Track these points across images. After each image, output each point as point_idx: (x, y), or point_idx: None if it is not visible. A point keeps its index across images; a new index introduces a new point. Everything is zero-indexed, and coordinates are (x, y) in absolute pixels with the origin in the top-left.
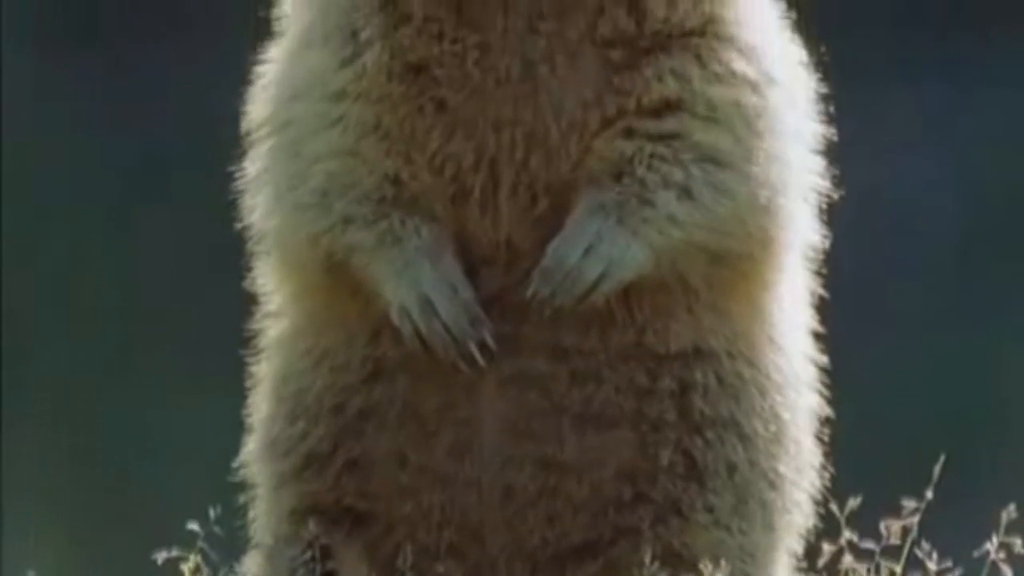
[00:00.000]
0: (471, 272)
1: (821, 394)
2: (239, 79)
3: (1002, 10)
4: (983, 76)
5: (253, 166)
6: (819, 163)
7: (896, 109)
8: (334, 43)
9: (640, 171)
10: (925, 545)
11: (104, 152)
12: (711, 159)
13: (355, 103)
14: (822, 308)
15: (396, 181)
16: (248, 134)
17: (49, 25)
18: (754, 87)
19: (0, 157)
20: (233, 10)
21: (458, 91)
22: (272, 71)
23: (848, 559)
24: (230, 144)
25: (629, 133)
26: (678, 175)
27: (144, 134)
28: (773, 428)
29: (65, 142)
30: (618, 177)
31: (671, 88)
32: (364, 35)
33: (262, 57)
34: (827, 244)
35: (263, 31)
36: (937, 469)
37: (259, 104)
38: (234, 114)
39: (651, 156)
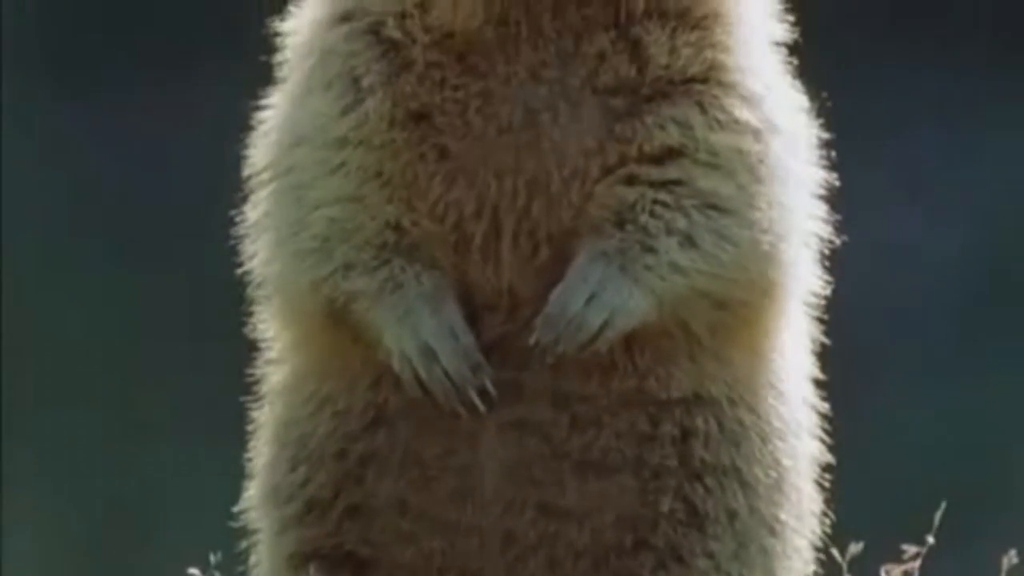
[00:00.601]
0: (472, 318)
1: (822, 440)
2: (241, 125)
3: (1005, 55)
4: (986, 122)
5: (254, 212)
6: (821, 210)
7: (897, 155)
8: (336, 90)
9: (642, 218)
10: None
11: (104, 196)
12: (713, 206)
13: (357, 150)
14: (823, 354)
15: (398, 228)
16: (250, 179)
17: (51, 72)
18: (756, 134)
19: (1, 198)
20: (235, 56)
21: (460, 139)
22: (274, 117)
23: None
24: (231, 189)
25: (631, 180)
26: (680, 222)
27: (146, 178)
28: (774, 474)
29: (65, 185)
30: (620, 224)
31: (673, 135)
32: (366, 82)
33: (264, 103)
34: (828, 290)
35: (265, 77)
36: (938, 515)
37: (261, 150)
38: (235, 159)
39: (653, 203)
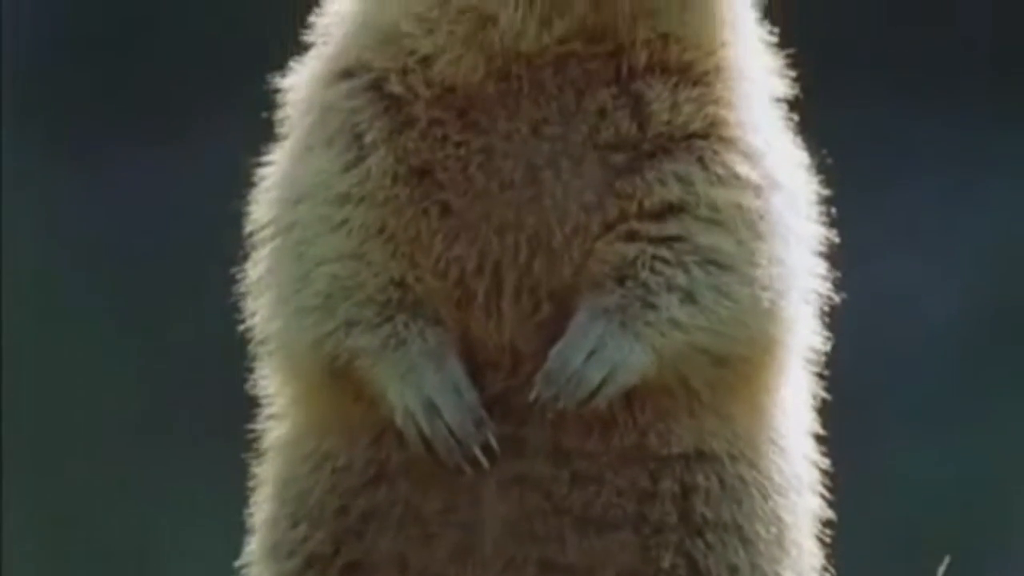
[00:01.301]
0: (474, 374)
1: (823, 496)
2: (241, 182)
3: (1001, 102)
4: (983, 170)
5: (256, 269)
6: (821, 266)
7: (895, 204)
8: (338, 146)
9: (643, 274)
10: None
11: (104, 254)
12: (714, 262)
13: (359, 206)
14: (824, 410)
15: (401, 284)
16: (251, 237)
17: (51, 130)
18: (757, 190)
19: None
20: (235, 114)
21: (462, 195)
22: (275, 174)
23: None
24: (232, 247)
25: (631, 236)
26: (681, 278)
27: (146, 236)
28: (775, 531)
29: (65, 244)
30: (621, 280)
31: (674, 191)
32: (368, 138)
33: (264, 160)
34: (829, 346)
35: (265, 134)
36: (941, 571)
37: (262, 206)
38: (236, 217)
39: (653, 259)
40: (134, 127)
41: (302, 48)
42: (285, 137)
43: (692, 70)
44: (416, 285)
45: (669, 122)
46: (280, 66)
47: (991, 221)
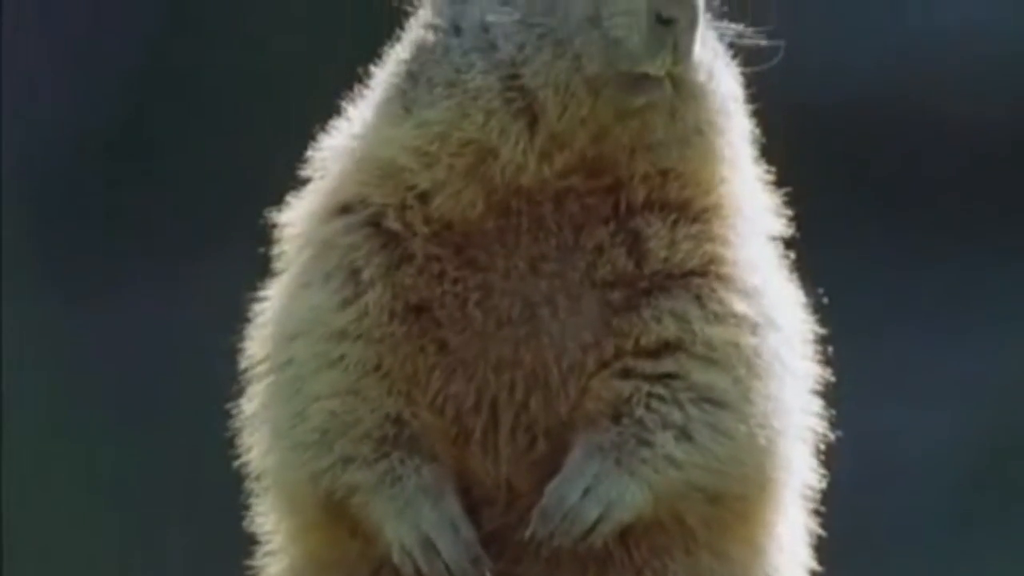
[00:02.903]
0: (471, 510)
1: None
2: (236, 317)
3: (998, 248)
4: (977, 314)
5: (251, 404)
6: (816, 404)
7: (891, 350)
8: (335, 282)
9: (638, 412)
10: None
11: (103, 389)
12: (709, 400)
13: (356, 343)
14: (820, 547)
15: (397, 421)
16: (245, 372)
17: (49, 263)
18: (753, 328)
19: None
20: (231, 248)
21: (459, 332)
22: (270, 309)
23: None
24: (227, 381)
25: (626, 374)
26: (676, 415)
27: (143, 370)
28: None
29: (63, 376)
30: (616, 418)
31: (670, 329)
32: (365, 274)
33: (260, 295)
34: (824, 484)
35: (262, 269)
36: None
37: (257, 343)
38: (231, 352)
39: (649, 396)
40: (133, 258)
41: (299, 182)
42: (281, 272)
43: (691, 207)
44: (412, 421)
45: (667, 259)
46: (278, 200)
47: (983, 361)
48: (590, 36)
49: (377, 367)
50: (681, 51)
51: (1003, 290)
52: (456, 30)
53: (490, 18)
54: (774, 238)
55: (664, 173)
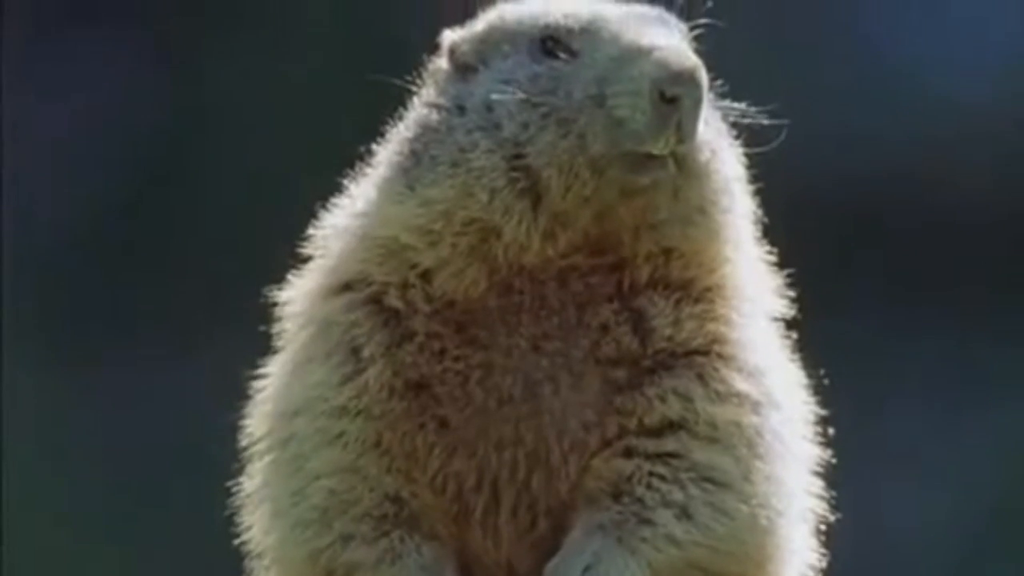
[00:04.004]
0: None
1: None
2: (237, 396)
3: (1000, 325)
4: (980, 391)
5: (251, 482)
6: (817, 484)
7: (893, 429)
8: (335, 359)
9: (639, 490)
10: None
11: (103, 469)
12: (711, 479)
13: (355, 420)
14: None
15: (396, 499)
16: (246, 450)
17: (48, 343)
18: (755, 408)
19: (1, 470)
20: (231, 328)
21: (460, 410)
22: (271, 387)
23: None
24: (227, 460)
25: (629, 452)
26: (677, 494)
27: (144, 450)
28: None
29: (63, 456)
30: (617, 496)
31: (673, 408)
32: (366, 352)
33: (260, 372)
34: (825, 563)
35: (261, 348)
36: None
37: (258, 420)
38: (231, 429)
39: (650, 475)
40: (133, 338)
41: (300, 261)
42: (281, 350)
43: (694, 286)
44: (412, 500)
45: (671, 338)
46: (280, 280)
47: (983, 438)
48: (594, 115)
49: (377, 444)
50: (685, 130)
51: (1001, 366)
52: (460, 109)
53: (494, 97)
54: (776, 318)
55: (667, 252)
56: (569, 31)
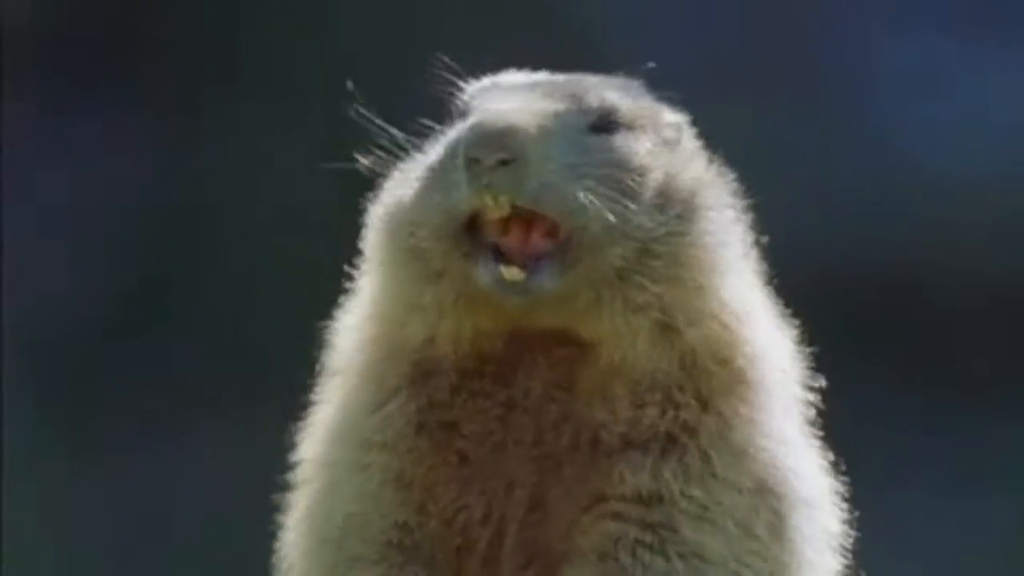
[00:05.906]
0: None
1: None
2: (236, 485)
3: (1007, 416)
4: (986, 481)
5: (297, 504)
6: (815, 568)
7: (896, 514)
8: (367, 391)
9: (622, 556)
10: None
11: (103, 554)
12: (698, 555)
13: (381, 452)
14: None
15: (404, 527)
16: (295, 472)
17: (48, 419)
18: (749, 490)
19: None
20: (234, 400)
21: (480, 444)
22: (321, 412)
23: None
24: (233, 530)
25: (617, 516)
26: (660, 565)
27: (142, 540)
28: None
29: (65, 538)
30: (602, 557)
31: (666, 481)
32: (390, 383)
33: (314, 398)
34: None
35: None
36: None
37: (307, 444)
38: (236, 502)
39: (636, 542)
40: (133, 410)
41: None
42: (330, 377)
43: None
44: (418, 529)
45: (663, 413)
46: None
47: (985, 525)
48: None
49: (398, 477)
50: (498, 187)
51: (1007, 454)
52: None
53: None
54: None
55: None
56: (471, 99)
